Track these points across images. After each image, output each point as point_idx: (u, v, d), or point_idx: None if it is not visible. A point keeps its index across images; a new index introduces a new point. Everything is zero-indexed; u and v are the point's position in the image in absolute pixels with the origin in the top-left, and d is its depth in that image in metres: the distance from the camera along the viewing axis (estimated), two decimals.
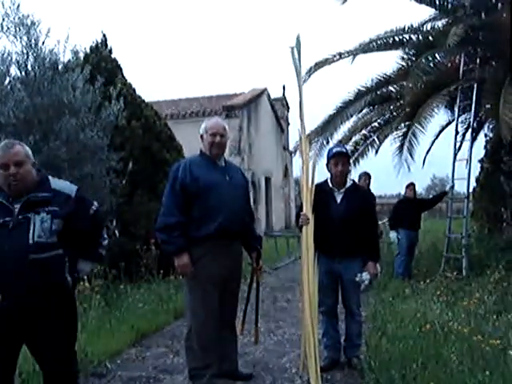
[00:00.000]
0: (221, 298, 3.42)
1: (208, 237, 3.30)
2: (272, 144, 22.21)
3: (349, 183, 3.91)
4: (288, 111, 25.88)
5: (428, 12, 9.00)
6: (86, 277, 5.19)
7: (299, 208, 3.81)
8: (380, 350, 4.00)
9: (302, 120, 3.65)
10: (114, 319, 5.02)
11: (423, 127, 8.08)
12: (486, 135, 11.42)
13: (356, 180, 4.58)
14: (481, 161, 11.99)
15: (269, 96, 21.70)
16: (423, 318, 5.05)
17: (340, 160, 3.80)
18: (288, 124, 25.76)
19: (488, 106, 7.74)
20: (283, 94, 24.82)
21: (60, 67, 6.44)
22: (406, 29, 8.85)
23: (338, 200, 3.86)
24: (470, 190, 11.12)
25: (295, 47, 3.79)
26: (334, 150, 3.88)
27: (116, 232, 7.08)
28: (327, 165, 3.85)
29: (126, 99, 8.19)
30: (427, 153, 11.64)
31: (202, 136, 3.52)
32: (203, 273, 3.32)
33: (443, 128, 11.25)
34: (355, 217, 3.78)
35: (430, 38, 8.23)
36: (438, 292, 6.37)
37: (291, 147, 11.34)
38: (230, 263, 3.47)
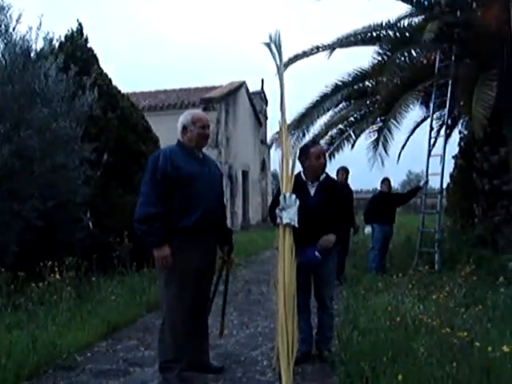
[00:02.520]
0: (195, 292, 3.40)
1: (187, 229, 3.29)
2: (250, 137, 22.18)
3: (322, 176, 3.95)
4: (266, 105, 25.83)
5: (405, 8, 9.10)
6: (56, 268, 5.15)
7: (275, 196, 3.80)
8: (351, 342, 4.02)
9: (282, 103, 3.60)
10: (85, 311, 4.95)
11: (398, 122, 8.16)
12: (460, 132, 11.60)
13: (333, 175, 4.58)
14: (455, 157, 12.16)
15: (247, 89, 21.65)
16: (395, 311, 5.09)
17: (322, 154, 3.91)
18: (266, 118, 25.73)
19: (462, 102, 7.83)
20: (262, 88, 24.77)
21: (32, 55, 6.30)
22: (383, 24, 8.89)
23: (312, 192, 3.89)
24: (444, 185, 11.32)
25: (273, 42, 3.74)
26: (315, 144, 4.11)
27: (89, 224, 7.00)
28: (300, 158, 3.87)
29: (102, 89, 8.10)
30: (402, 148, 11.76)
31: (185, 127, 3.47)
32: (180, 266, 3.29)
33: (418, 124, 11.37)
34: (329, 209, 3.81)
35: (407, 33, 8.29)
36: (410, 286, 6.45)
37: (269, 141, 11.27)
38: (206, 257, 3.46)
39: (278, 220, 3.44)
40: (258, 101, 23.67)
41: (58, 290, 5.01)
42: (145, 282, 6.26)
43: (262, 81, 25.17)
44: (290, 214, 3.43)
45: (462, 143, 11.64)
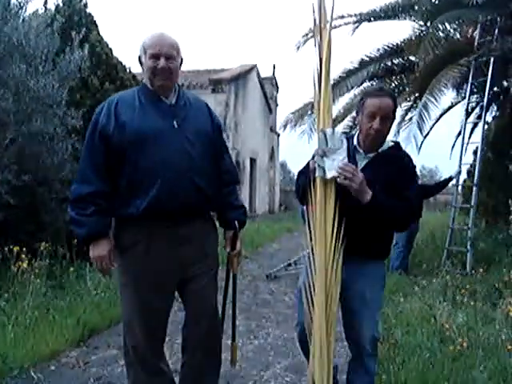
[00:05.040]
0: (184, 304, 2.37)
1: (133, 218, 2.18)
2: (259, 124, 21.22)
3: (385, 146, 2.40)
4: (277, 92, 24.90)
5: None
6: (24, 255, 4.24)
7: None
8: (395, 369, 3.09)
9: None
10: (57, 309, 4.04)
11: (436, 99, 7.15)
12: (485, 122, 10.65)
13: None
14: (482, 149, 11.18)
15: (258, 74, 20.66)
16: (433, 321, 4.25)
17: (380, 112, 2.25)
18: (277, 105, 24.79)
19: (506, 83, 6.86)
20: (273, 74, 23.83)
21: (12, 3, 5.38)
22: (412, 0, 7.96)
23: (360, 167, 2.32)
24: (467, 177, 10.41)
25: None
26: (379, 92, 2.36)
27: None
28: (358, 112, 2.42)
29: (100, 58, 7.38)
30: (425, 137, 10.86)
31: (139, 59, 2.31)
32: (135, 268, 2.24)
33: (446, 110, 10.41)
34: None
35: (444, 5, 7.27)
36: (440, 289, 5.60)
37: (282, 122, 10.30)
38: (184, 254, 2.25)
39: (318, 173, 2.12)
40: (268, 87, 22.68)
41: (25, 283, 4.10)
42: None
43: (274, 66, 24.23)
44: (336, 162, 2.12)
45: (488, 133, 10.68)
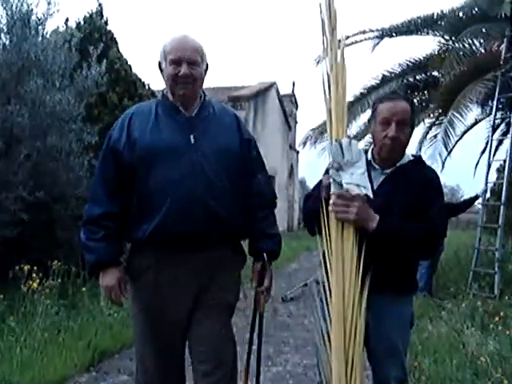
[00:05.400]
0: (195, 338, 2.08)
1: (147, 241, 1.97)
2: (278, 141, 21.12)
3: (405, 160, 2.08)
4: (297, 109, 24.82)
5: None
6: (35, 274, 4.12)
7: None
8: None
9: None
10: (69, 332, 3.90)
11: (462, 116, 6.94)
12: None
13: None
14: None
15: (278, 91, 20.62)
16: (463, 349, 3.99)
17: (395, 116, 1.95)
18: (296, 122, 24.70)
19: None
20: (293, 91, 23.78)
21: (32, 20, 5.36)
22: (446, 11, 7.81)
23: (376, 184, 2.03)
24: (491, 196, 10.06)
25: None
26: (392, 96, 2.12)
27: None
28: (370, 121, 2.31)
29: (119, 75, 7.46)
30: (449, 153, 10.61)
31: (160, 66, 2.07)
32: (144, 297, 2.04)
33: (469, 127, 10.15)
34: (399, 217, 1.95)
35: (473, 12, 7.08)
36: (469, 313, 5.33)
37: (302, 140, 10.16)
38: (195, 283, 2.01)
39: (334, 188, 1.84)
40: (288, 104, 22.63)
41: (35, 303, 3.96)
42: None
43: (294, 83, 24.20)
44: (355, 176, 1.83)
45: None
